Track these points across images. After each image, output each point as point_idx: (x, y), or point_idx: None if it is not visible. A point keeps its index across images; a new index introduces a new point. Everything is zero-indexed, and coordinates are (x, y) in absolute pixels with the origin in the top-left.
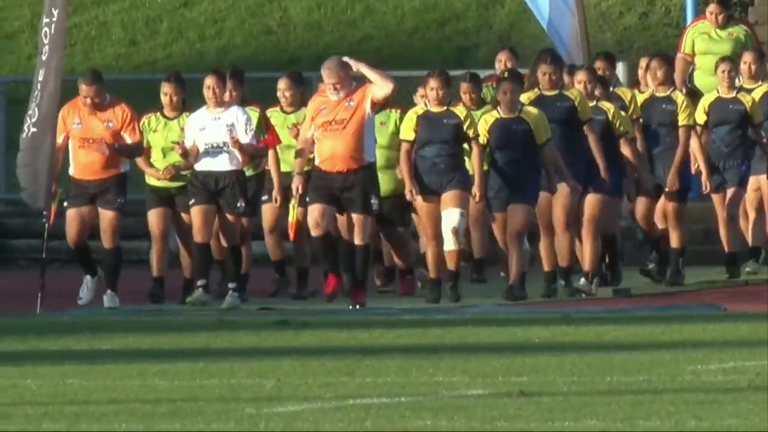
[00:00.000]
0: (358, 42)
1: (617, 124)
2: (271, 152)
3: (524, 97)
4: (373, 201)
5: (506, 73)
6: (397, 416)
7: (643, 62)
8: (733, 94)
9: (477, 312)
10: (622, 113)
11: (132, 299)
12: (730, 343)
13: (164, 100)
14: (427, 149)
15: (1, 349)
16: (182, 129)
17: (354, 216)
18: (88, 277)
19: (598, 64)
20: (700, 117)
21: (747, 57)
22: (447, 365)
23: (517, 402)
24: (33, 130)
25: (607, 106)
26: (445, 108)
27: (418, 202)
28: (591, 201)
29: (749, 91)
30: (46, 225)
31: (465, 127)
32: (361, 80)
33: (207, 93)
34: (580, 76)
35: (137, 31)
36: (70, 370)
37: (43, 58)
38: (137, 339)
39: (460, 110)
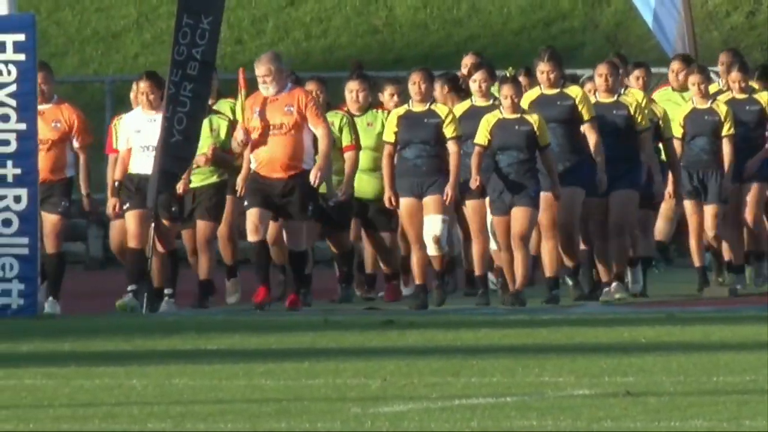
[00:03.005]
0: (464, 41)
1: (638, 120)
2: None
3: (526, 97)
4: (310, 207)
5: (508, 74)
6: (502, 416)
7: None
8: (707, 105)
9: (583, 312)
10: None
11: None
12: None
13: (141, 99)
14: (407, 150)
15: (108, 349)
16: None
17: (290, 222)
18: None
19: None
20: (677, 130)
21: (723, 57)
22: (553, 365)
23: (623, 402)
24: (178, 137)
25: (629, 101)
26: (427, 107)
27: (400, 205)
28: (615, 199)
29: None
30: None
31: (444, 126)
32: (298, 81)
33: (141, 98)
34: (601, 69)
35: (243, 31)
36: (175, 370)
37: (178, 58)
38: (243, 339)
39: (442, 109)
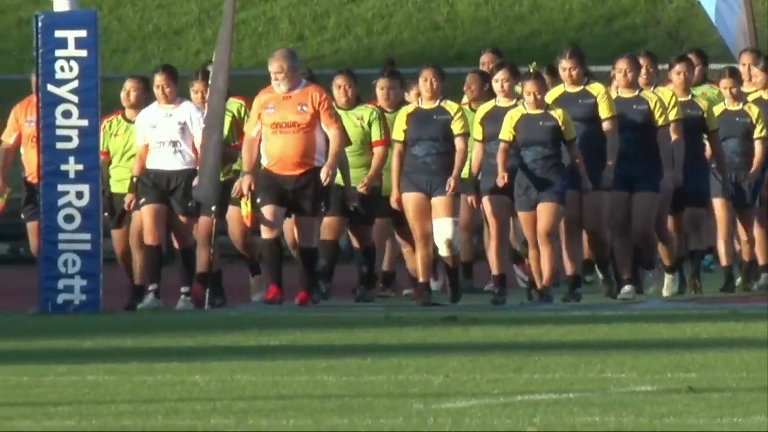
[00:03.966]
0: (526, 38)
1: (658, 116)
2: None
3: (549, 94)
4: (322, 204)
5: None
6: (565, 412)
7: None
8: (739, 107)
9: (646, 308)
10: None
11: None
12: None
13: (157, 93)
14: (417, 148)
15: (170, 345)
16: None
17: (303, 219)
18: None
19: (642, 60)
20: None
21: (745, 59)
22: (615, 361)
23: (685, 398)
24: (202, 125)
25: (649, 96)
26: (437, 104)
27: (406, 198)
28: (637, 204)
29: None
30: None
31: (453, 122)
32: (312, 79)
33: (156, 91)
34: (621, 64)
35: (305, 27)
36: (238, 365)
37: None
38: (305, 335)
39: (451, 106)
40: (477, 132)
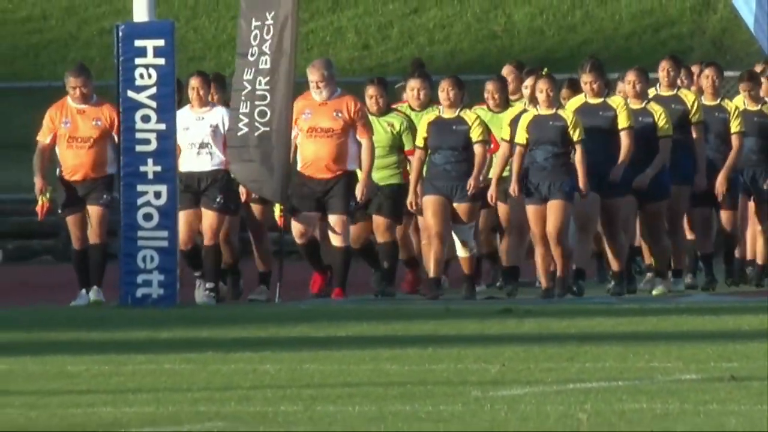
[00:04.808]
0: (578, 46)
1: (660, 126)
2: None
3: (570, 104)
4: (351, 203)
5: (544, 71)
6: (615, 399)
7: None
8: (757, 107)
9: (691, 301)
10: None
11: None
12: None
13: (192, 94)
14: (437, 156)
15: (243, 336)
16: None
17: (333, 218)
18: (84, 291)
19: (664, 65)
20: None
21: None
22: (662, 351)
23: (728, 386)
24: (264, 129)
25: (655, 108)
26: (456, 114)
27: (426, 200)
28: (653, 207)
29: None
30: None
31: (471, 131)
32: (349, 88)
33: (191, 93)
34: (630, 76)
35: (370, 36)
36: (307, 355)
37: (251, 59)
38: (370, 326)
39: (470, 116)
40: (506, 133)
